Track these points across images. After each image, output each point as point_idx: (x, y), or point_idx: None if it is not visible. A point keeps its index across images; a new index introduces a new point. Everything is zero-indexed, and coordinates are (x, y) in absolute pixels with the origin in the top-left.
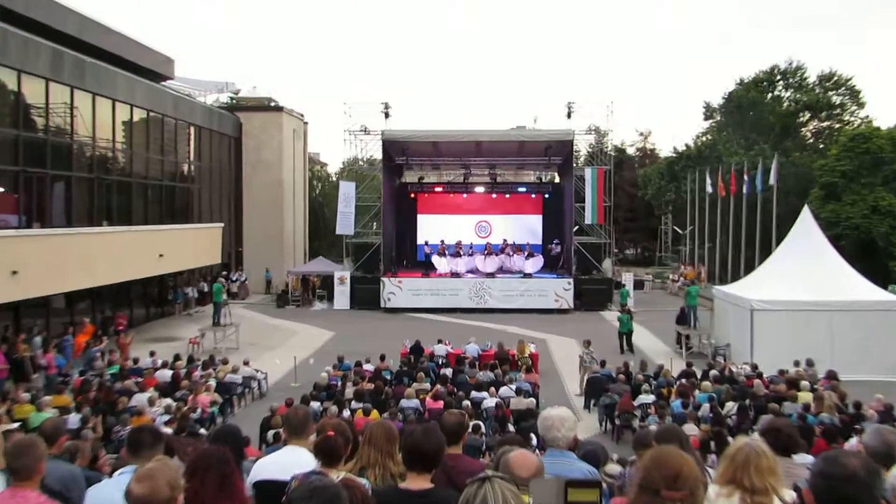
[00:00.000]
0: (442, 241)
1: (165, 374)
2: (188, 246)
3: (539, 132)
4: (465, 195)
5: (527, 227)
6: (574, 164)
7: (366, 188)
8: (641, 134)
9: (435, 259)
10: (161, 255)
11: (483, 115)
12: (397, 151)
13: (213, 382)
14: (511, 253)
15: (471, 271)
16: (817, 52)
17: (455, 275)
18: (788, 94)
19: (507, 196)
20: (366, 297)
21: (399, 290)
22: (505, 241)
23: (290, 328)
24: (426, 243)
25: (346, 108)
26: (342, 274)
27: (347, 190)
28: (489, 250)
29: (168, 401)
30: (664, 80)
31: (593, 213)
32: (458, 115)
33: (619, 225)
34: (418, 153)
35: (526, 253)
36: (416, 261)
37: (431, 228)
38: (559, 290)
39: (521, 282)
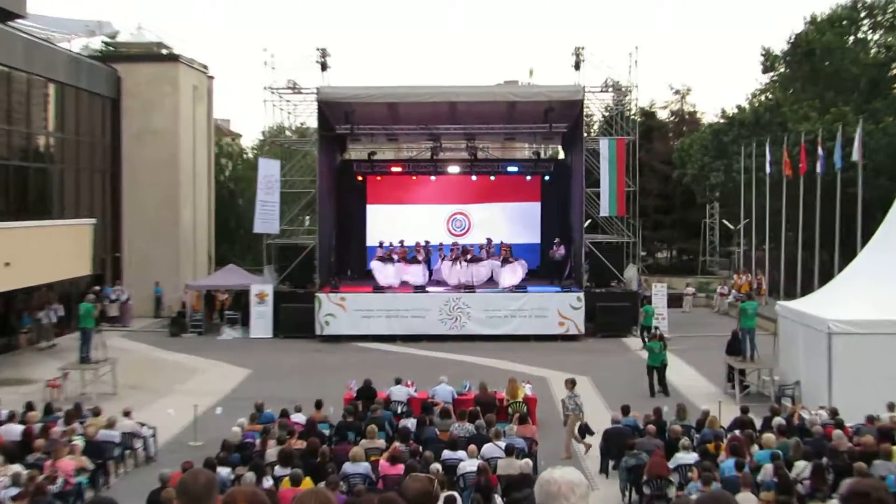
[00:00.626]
0: (401, 243)
1: (13, 431)
2: (44, 251)
3: (536, 89)
4: (433, 177)
5: (519, 220)
6: (585, 134)
7: (295, 169)
8: (677, 92)
9: (375, 266)
10: (6, 265)
11: (459, 66)
12: (339, 117)
13: (79, 441)
14: (487, 256)
15: (439, 282)
16: None
17: (420, 289)
18: (878, 37)
19: (492, 178)
20: (295, 320)
21: (342, 310)
22: (489, 240)
23: (188, 364)
24: (380, 245)
25: (268, 57)
26: (262, 289)
27: (269, 171)
28: (465, 254)
29: (16, 468)
30: (707, 17)
31: (612, 201)
32: (423, 66)
33: (648, 218)
34: (368, 119)
35: (501, 257)
36: (366, 270)
37: (387, 224)
38: (565, 309)
39: (513, 298)
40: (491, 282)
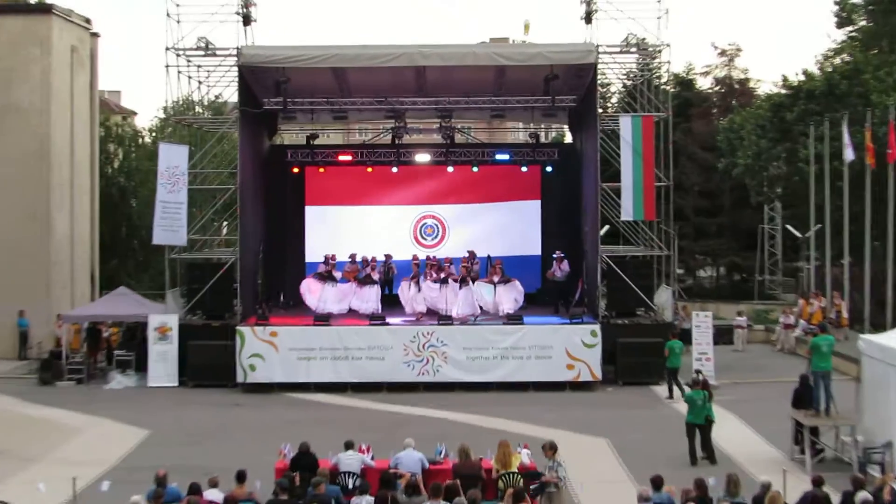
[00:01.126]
0: (352, 258)
1: None
2: None
3: (533, 49)
4: (394, 169)
5: (513, 226)
6: (600, 110)
7: (209, 158)
8: (723, 53)
9: (307, 287)
10: None
11: (430, 20)
12: (267, 88)
13: None
14: (468, 274)
15: (415, 313)
16: None
17: (378, 320)
18: None
19: (475, 169)
20: (208, 363)
21: (272, 349)
22: (471, 253)
23: (65, 423)
24: (326, 260)
25: (172, 6)
26: (163, 321)
27: (174, 161)
28: (438, 272)
29: None
30: None
31: (637, 201)
32: (381, 21)
33: (687, 223)
34: (308, 90)
35: (490, 277)
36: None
37: (333, 232)
38: (575, 348)
39: (505, 332)
40: (475, 310)
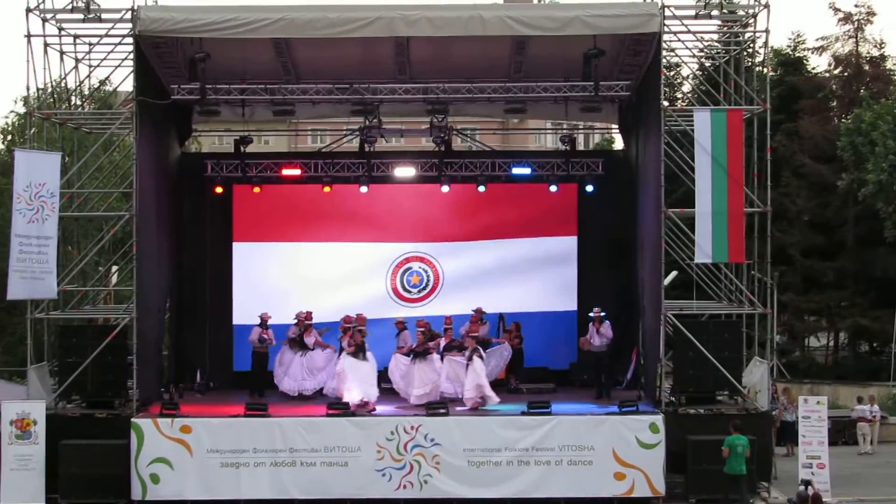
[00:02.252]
0: (301, 317)
1: None
2: None
3: (568, 11)
4: (363, 188)
5: (538, 272)
6: (665, 103)
7: (90, 172)
8: (847, 19)
9: (280, 369)
10: None
11: None
12: (177, 68)
13: None
14: (472, 346)
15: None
16: None
17: (339, 408)
18: None
19: (481, 189)
20: (91, 472)
21: (184, 452)
22: (478, 312)
23: None
24: (261, 323)
25: None
26: (23, 411)
27: (37, 175)
28: (428, 341)
29: None
30: None
31: (717, 235)
32: None
33: (792, 268)
34: (236, 71)
35: (500, 345)
36: (233, 371)
37: (274, 280)
38: (627, 449)
39: (524, 426)
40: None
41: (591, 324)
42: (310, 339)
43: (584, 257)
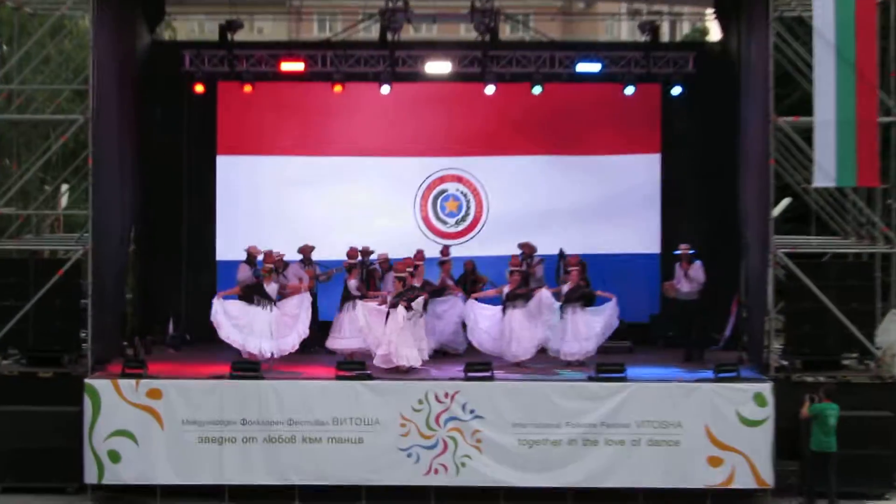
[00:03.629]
0: (303, 256)
1: None
2: None
3: None
4: (385, 87)
5: (609, 198)
6: None
7: (33, 64)
8: None
9: (222, 313)
10: None
11: None
12: None
13: None
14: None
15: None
16: None
17: (352, 368)
18: None
19: (537, 91)
20: (34, 446)
21: (152, 422)
22: (527, 248)
23: None
24: (248, 259)
25: None
26: None
27: None
28: (474, 282)
29: None
30: None
31: (843, 152)
32: None
33: None
34: None
35: (562, 289)
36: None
37: (270, 205)
38: (725, 426)
39: (588, 395)
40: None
41: (677, 265)
42: (271, 286)
43: (669, 181)
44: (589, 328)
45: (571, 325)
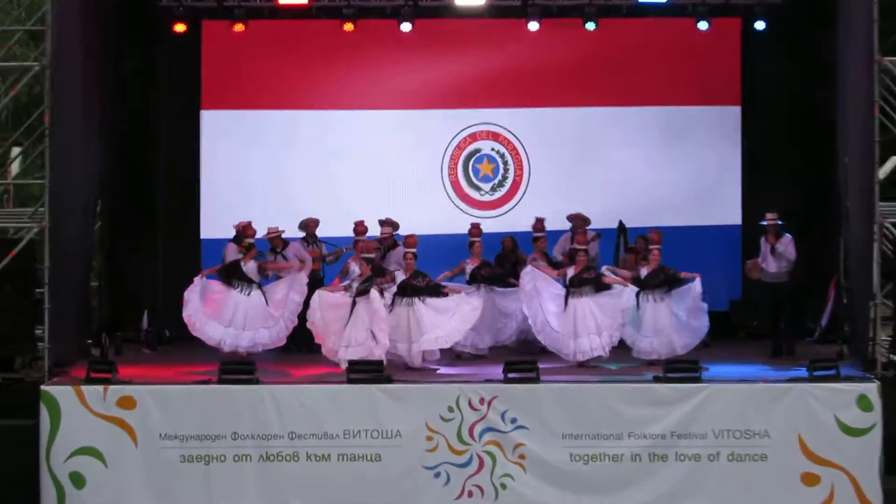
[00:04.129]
0: (307, 233)
1: None
2: None
3: None
4: (405, 25)
5: (676, 161)
6: None
7: None
8: None
9: (195, 299)
10: None
11: None
12: None
13: None
14: (578, 270)
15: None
16: None
17: (365, 371)
18: None
19: (590, 27)
20: None
21: (124, 437)
22: (579, 219)
23: None
24: (236, 238)
25: None
26: None
27: None
28: (509, 260)
29: None
30: None
31: None
32: None
33: None
34: None
35: (628, 269)
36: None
37: (265, 169)
38: (823, 435)
39: (655, 399)
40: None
41: (763, 239)
42: (250, 266)
43: (752, 137)
44: (675, 318)
45: (652, 316)
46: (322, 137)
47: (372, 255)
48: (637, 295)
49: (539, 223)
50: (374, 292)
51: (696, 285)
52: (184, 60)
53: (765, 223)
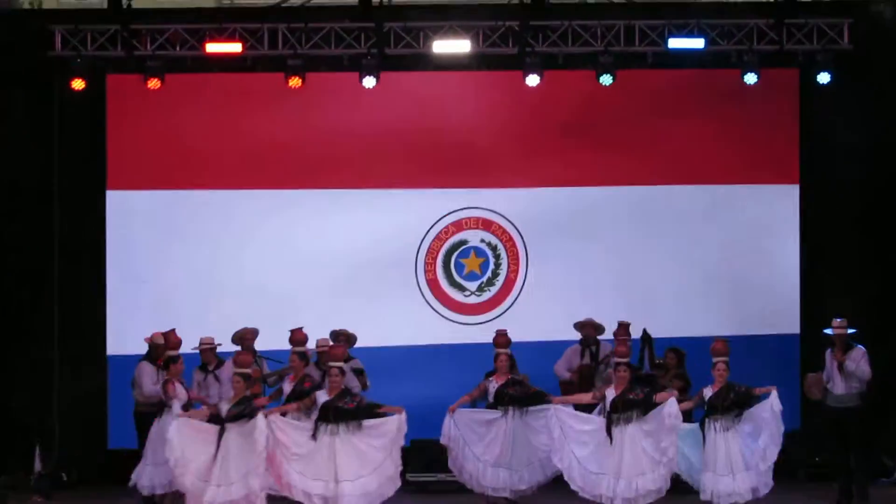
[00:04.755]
0: (241, 343)
1: None
2: None
3: None
4: (368, 79)
5: (711, 254)
6: None
7: None
8: None
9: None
10: None
11: None
12: None
13: None
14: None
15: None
16: None
17: None
18: None
19: (605, 81)
20: None
21: None
22: (590, 331)
23: None
24: (158, 358)
25: None
26: None
27: None
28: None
29: None
30: None
31: None
32: None
33: None
34: None
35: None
36: (106, 449)
37: (191, 270)
38: None
39: None
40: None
41: (828, 352)
42: (177, 399)
43: (813, 223)
44: (750, 451)
45: (724, 448)
46: (262, 224)
47: (248, 371)
48: (701, 422)
49: (500, 337)
50: (259, 418)
51: (774, 401)
52: (84, 124)
53: (831, 332)
